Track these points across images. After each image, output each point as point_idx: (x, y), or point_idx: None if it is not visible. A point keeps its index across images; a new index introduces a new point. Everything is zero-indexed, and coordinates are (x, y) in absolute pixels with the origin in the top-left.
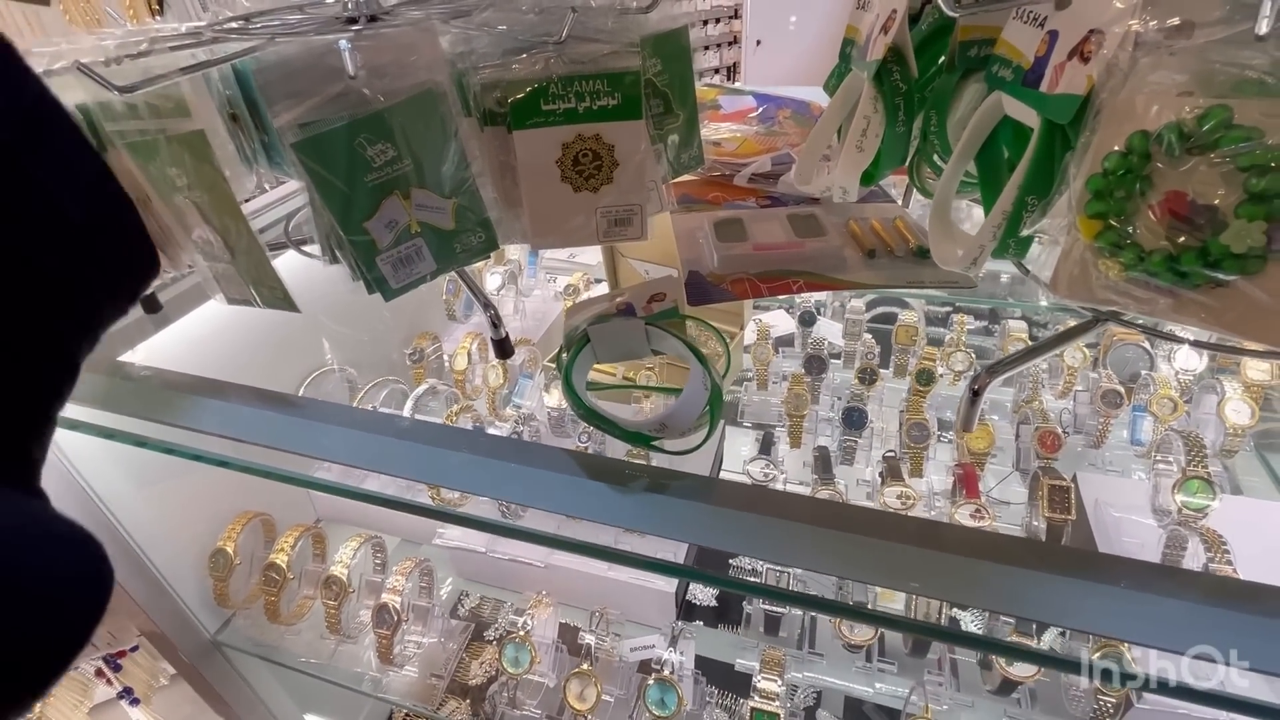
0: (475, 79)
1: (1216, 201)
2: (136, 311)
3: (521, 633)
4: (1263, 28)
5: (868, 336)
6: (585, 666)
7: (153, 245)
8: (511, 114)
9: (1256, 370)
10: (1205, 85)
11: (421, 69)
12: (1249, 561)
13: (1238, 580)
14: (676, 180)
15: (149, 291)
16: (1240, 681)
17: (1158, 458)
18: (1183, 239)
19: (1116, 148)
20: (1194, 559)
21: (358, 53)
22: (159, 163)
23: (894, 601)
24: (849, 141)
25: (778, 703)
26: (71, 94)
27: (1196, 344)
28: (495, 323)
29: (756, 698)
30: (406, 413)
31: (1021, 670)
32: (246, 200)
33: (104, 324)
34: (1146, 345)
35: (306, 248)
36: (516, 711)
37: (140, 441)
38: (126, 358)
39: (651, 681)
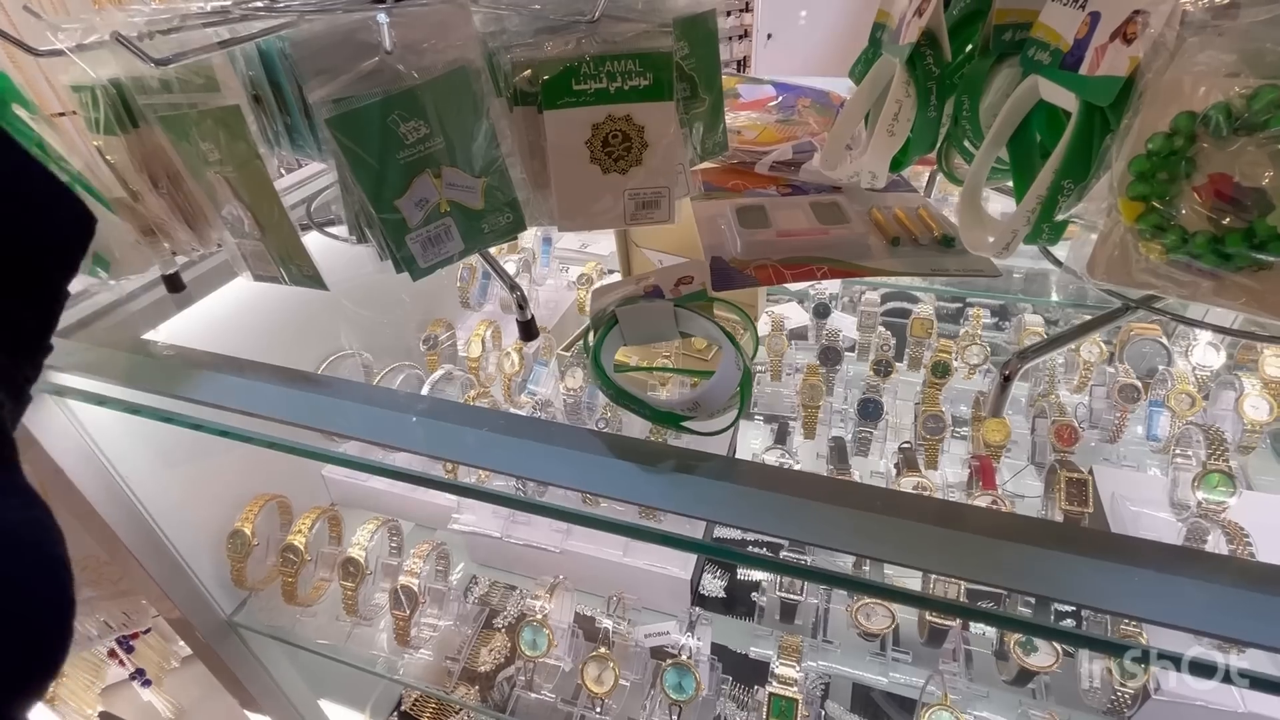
0: (506, 58)
1: (1264, 183)
2: (159, 291)
3: (539, 616)
4: None
5: (882, 329)
6: (602, 650)
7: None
8: (543, 93)
9: (1275, 366)
10: (1254, 65)
11: (455, 46)
12: (1269, 554)
13: (1262, 563)
14: (697, 168)
15: (173, 271)
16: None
17: (1176, 451)
18: (1228, 220)
19: (1161, 129)
20: (1215, 551)
21: (392, 28)
22: (191, 137)
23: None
24: (880, 126)
25: (796, 688)
26: (105, 68)
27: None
28: (521, 304)
29: (775, 684)
30: None
31: (1039, 660)
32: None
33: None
34: (1164, 340)
35: (330, 229)
36: (531, 695)
37: (167, 417)
38: (149, 336)
39: (669, 666)
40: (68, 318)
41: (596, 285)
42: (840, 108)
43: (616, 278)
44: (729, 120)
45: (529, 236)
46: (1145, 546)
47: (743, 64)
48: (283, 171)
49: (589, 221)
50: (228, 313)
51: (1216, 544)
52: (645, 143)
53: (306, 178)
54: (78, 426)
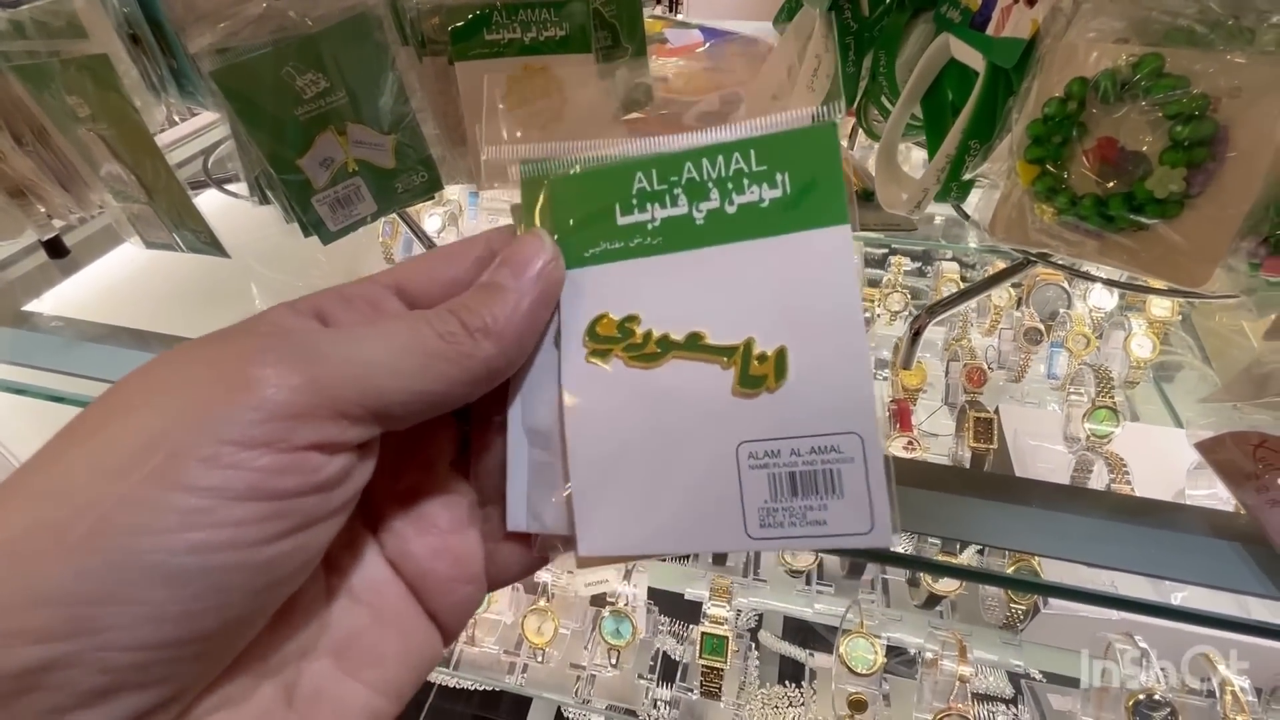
0: (412, 3)
1: (1144, 148)
2: (40, 257)
3: None
4: None
5: None
6: (542, 603)
7: None
8: (452, 43)
9: (1159, 308)
10: (1141, 33)
11: None
12: (1143, 480)
13: (1134, 498)
14: (625, 119)
15: (52, 235)
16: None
17: (1071, 390)
18: (1112, 184)
19: (1057, 94)
20: (1099, 480)
21: None
22: (54, 90)
23: None
24: (801, 81)
25: (726, 626)
26: None
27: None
28: None
29: (707, 623)
30: None
31: (945, 586)
32: (157, 133)
33: None
34: (1065, 285)
35: (230, 186)
36: (474, 649)
37: (57, 396)
38: (32, 307)
39: (606, 613)
40: None
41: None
42: (768, 55)
43: None
44: (656, 68)
45: (455, 188)
46: (1037, 487)
47: (674, 5)
48: (176, 119)
49: (510, 181)
50: (123, 278)
51: (1100, 473)
52: (564, 96)
53: (202, 127)
54: None
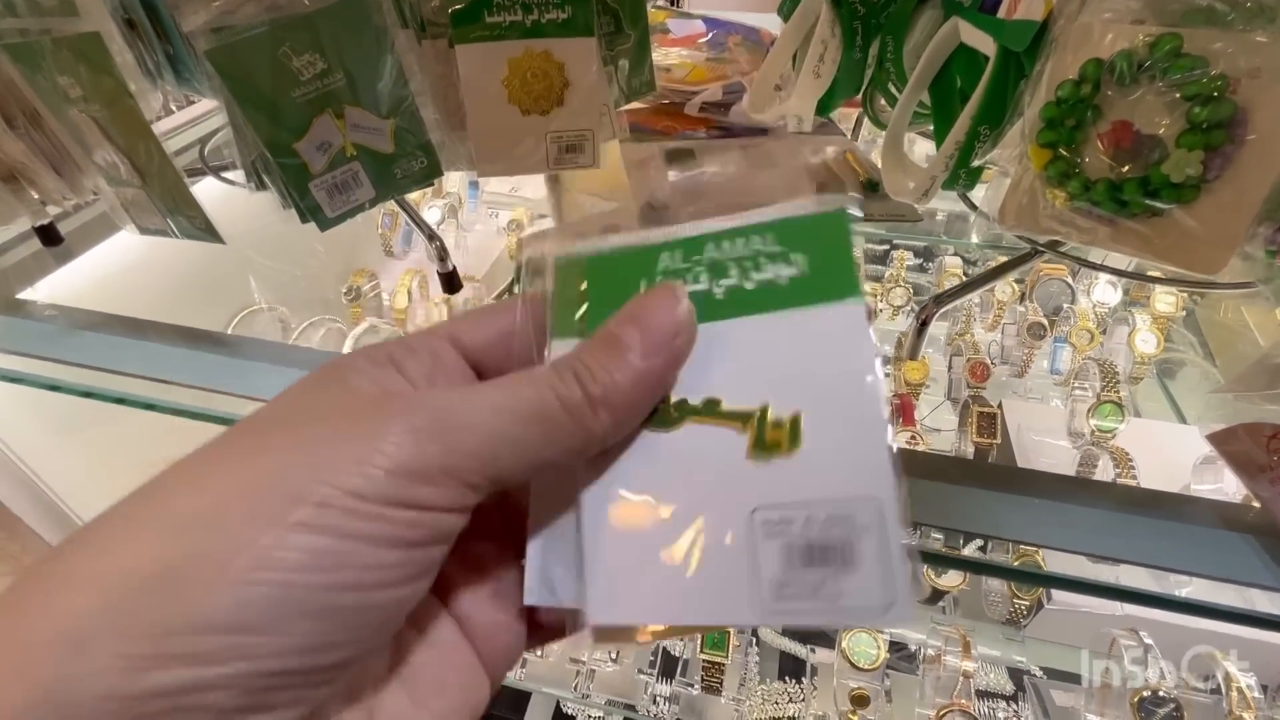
0: None
1: (1160, 131)
2: (34, 244)
3: None
4: None
5: None
6: None
7: None
8: (452, 25)
9: (1164, 303)
10: (1158, 12)
11: None
12: (1148, 475)
13: (1141, 489)
14: (626, 108)
15: (47, 221)
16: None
17: (1075, 384)
18: (1126, 168)
19: (1071, 76)
20: (1103, 475)
21: None
22: (46, 70)
23: None
24: (806, 67)
25: None
26: None
27: (1118, 272)
28: (442, 256)
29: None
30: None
31: (948, 581)
32: (154, 121)
33: None
34: (1069, 280)
35: (227, 174)
36: None
37: (52, 385)
38: (26, 295)
39: None
40: None
41: (526, 233)
42: (770, 46)
43: (549, 223)
44: (659, 58)
45: (455, 179)
46: (1041, 478)
47: None
48: (173, 108)
49: (510, 167)
50: (118, 267)
51: (1105, 468)
52: (566, 81)
53: (199, 115)
54: None
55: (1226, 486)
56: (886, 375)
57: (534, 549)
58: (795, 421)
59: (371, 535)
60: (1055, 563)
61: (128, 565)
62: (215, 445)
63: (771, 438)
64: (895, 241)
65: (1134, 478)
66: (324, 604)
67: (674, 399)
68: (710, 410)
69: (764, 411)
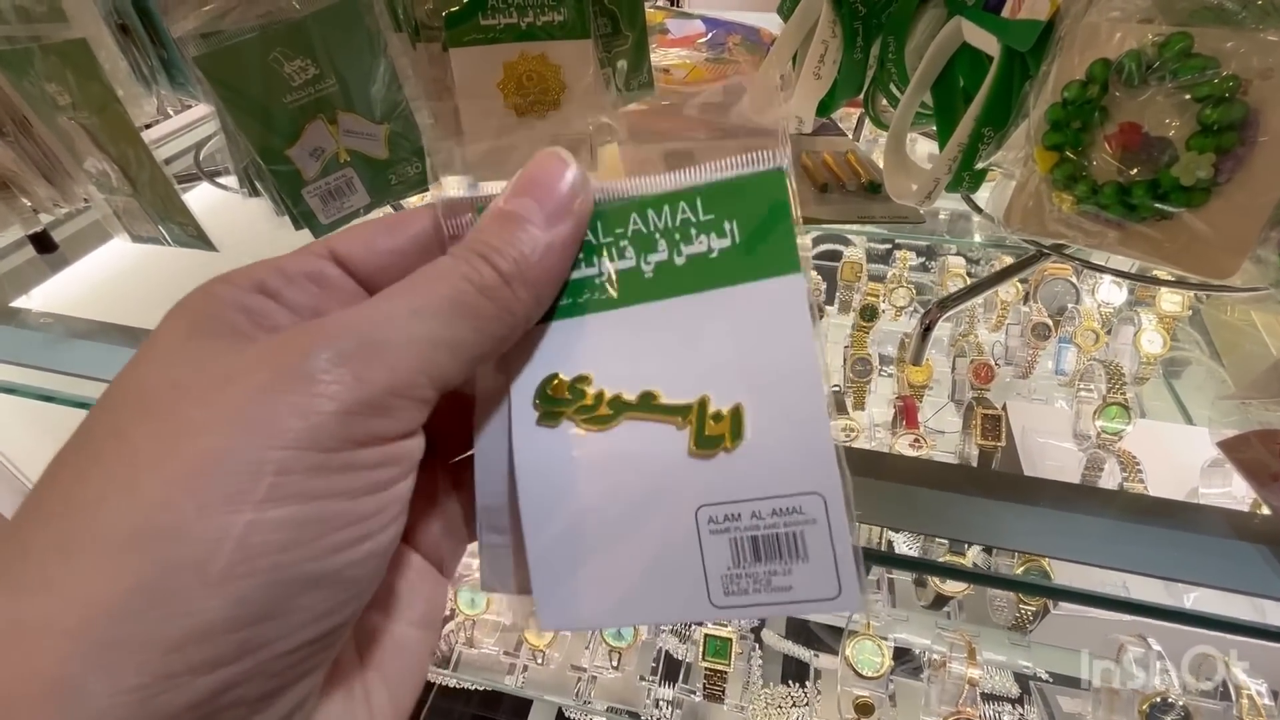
0: None
1: (1170, 134)
2: (28, 252)
3: (475, 576)
4: None
5: (814, 273)
6: None
7: None
8: (446, 28)
9: (1169, 303)
10: (1167, 11)
11: None
12: (1156, 478)
13: (1148, 497)
14: (625, 110)
15: (40, 228)
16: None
17: (1080, 386)
18: (1135, 171)
19: (1078, 76)
20: (1110, 478)
21: None
22: (34, 77)
23: None
24: (806, 68)
25: (729, 628)
26: None
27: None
28: None
29: (710, 624)
30: None
31: (953, 586)
32: (148, 126)
33: None
34: (1074, 280)
35: (221, 179)
36: (473, 650)
37: (47, 395)
38: (20, 303)
39: None
40: None
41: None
42: (770, 46)
43: None
44: (657, 59)
45: (450, 184)
46: (1047, 486)
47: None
48: (170, 112)
49: (506, 171)
50: (113, 274)
51: (1112, 471)
52: (562, 84)
53: (195, 121)
54: None
55: (1235, 490)
56: (890, 376)
57: (484, 540)
58: (737, 413)
59: (343, 489)
60: (1062, 570)
61: (94, 598)
62: (105, 440)
63: (713, 431)
64: (898, 241)
65: (1141, 482)
66: (319, 573)
67: (609, 394)
68: (647, 405)
69: (703, 404)
